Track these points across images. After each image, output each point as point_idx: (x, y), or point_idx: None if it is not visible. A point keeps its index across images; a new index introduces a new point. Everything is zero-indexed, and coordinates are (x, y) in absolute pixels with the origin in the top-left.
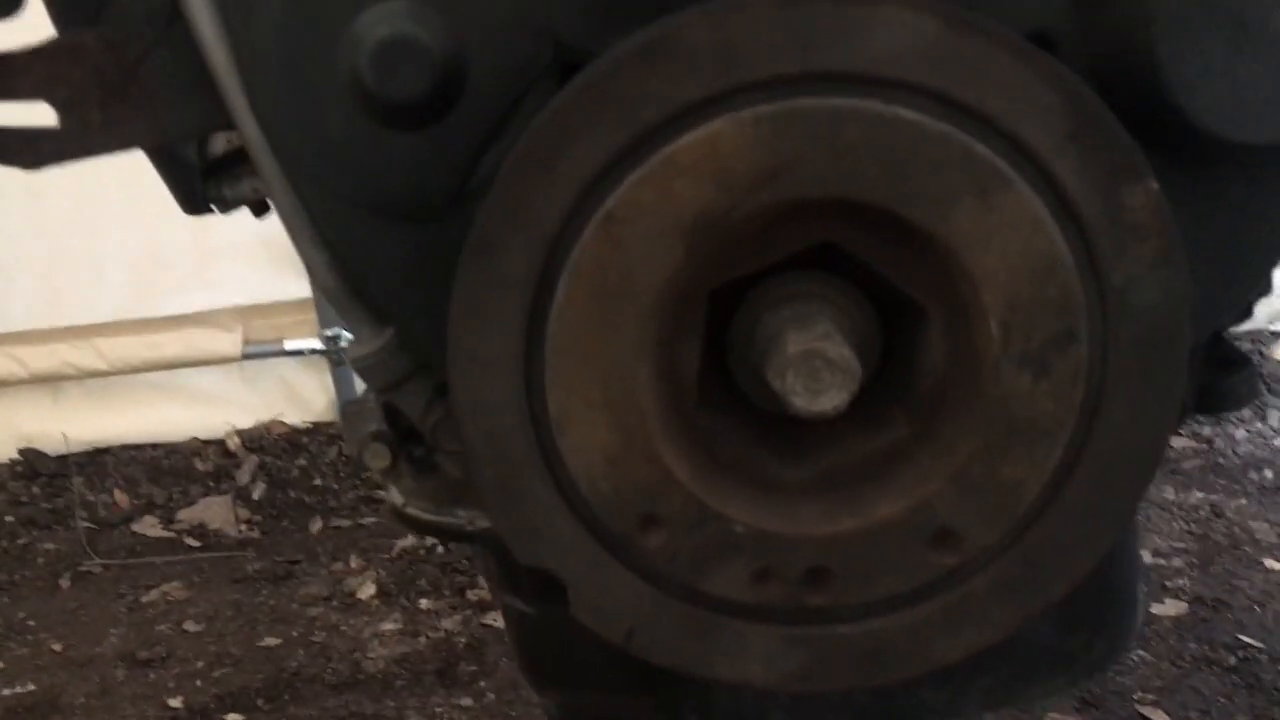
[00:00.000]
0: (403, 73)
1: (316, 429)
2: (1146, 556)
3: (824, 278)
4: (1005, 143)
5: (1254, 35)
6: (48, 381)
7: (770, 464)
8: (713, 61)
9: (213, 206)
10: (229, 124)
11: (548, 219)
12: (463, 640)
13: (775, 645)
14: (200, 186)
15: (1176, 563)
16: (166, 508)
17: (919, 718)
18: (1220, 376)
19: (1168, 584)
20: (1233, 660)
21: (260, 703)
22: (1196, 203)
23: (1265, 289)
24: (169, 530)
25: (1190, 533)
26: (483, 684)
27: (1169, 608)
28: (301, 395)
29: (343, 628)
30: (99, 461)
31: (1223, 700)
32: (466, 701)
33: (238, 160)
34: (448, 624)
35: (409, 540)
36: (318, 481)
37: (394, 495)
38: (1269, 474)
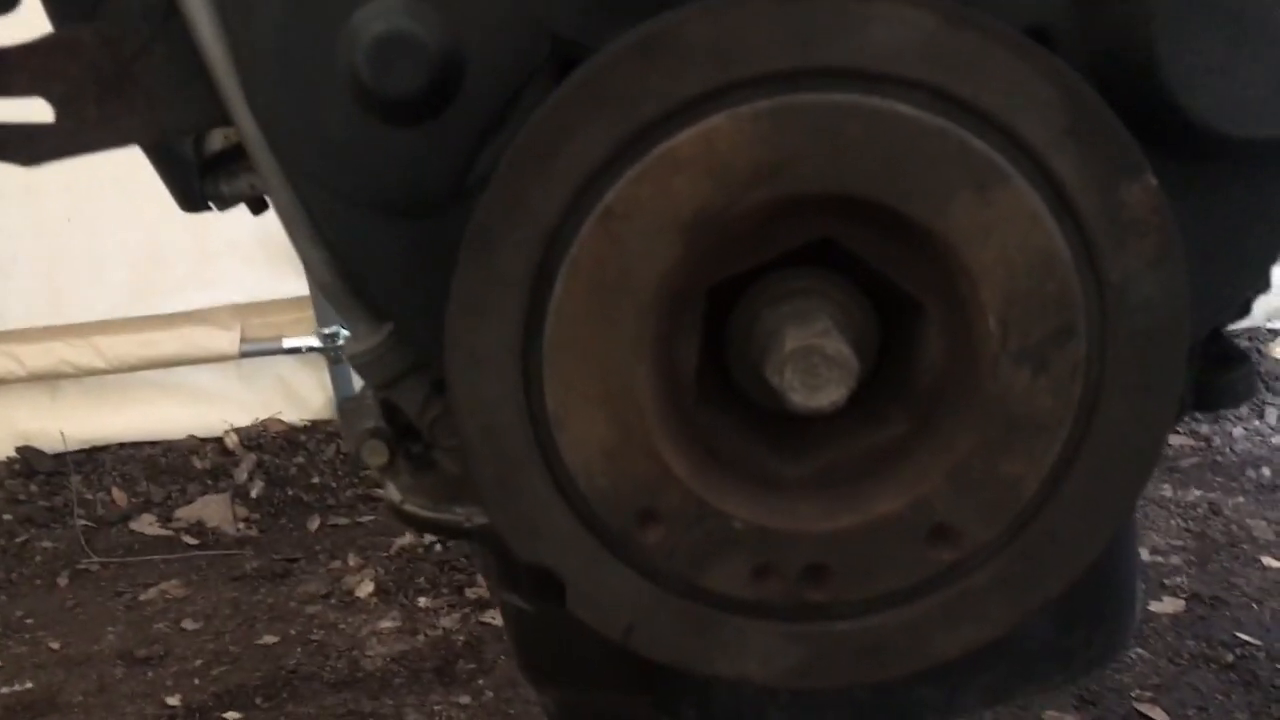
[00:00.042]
0: (399, 68)
1: (314, 427)
2: (1144, 554)
3: (822, 274)
4: (1003, 138)
5: (1253, 32)
6: (46, 380)
7: (769, 460)
8: (711, 57)
9: (210, 203)
10: (226, 120)
11: (546, 215)
12: (461, 638)
13: (774, 641)
14: (198, 183)
15: (1174, 560)
16: (164, 506)
17: (917, 714)
18: (1218, 373)
19: (1165, 582)
20: (1230, 658)
21: (258, 701)
22: (1195, 199)
23: (1264, 285)
24: (167, 528)
25: (1188, 530)
26: (481, 682)
27: (1167, 605)
28: (299, 393)
29: (341, 626)
30: (97, 460)
31: (1220, 698)
32: (465, 699)
33: (235, 157)
34: (446, 622)
35: (407, 538)
36: (316, 479)
37: (392, 492)
38: (1266, 472)
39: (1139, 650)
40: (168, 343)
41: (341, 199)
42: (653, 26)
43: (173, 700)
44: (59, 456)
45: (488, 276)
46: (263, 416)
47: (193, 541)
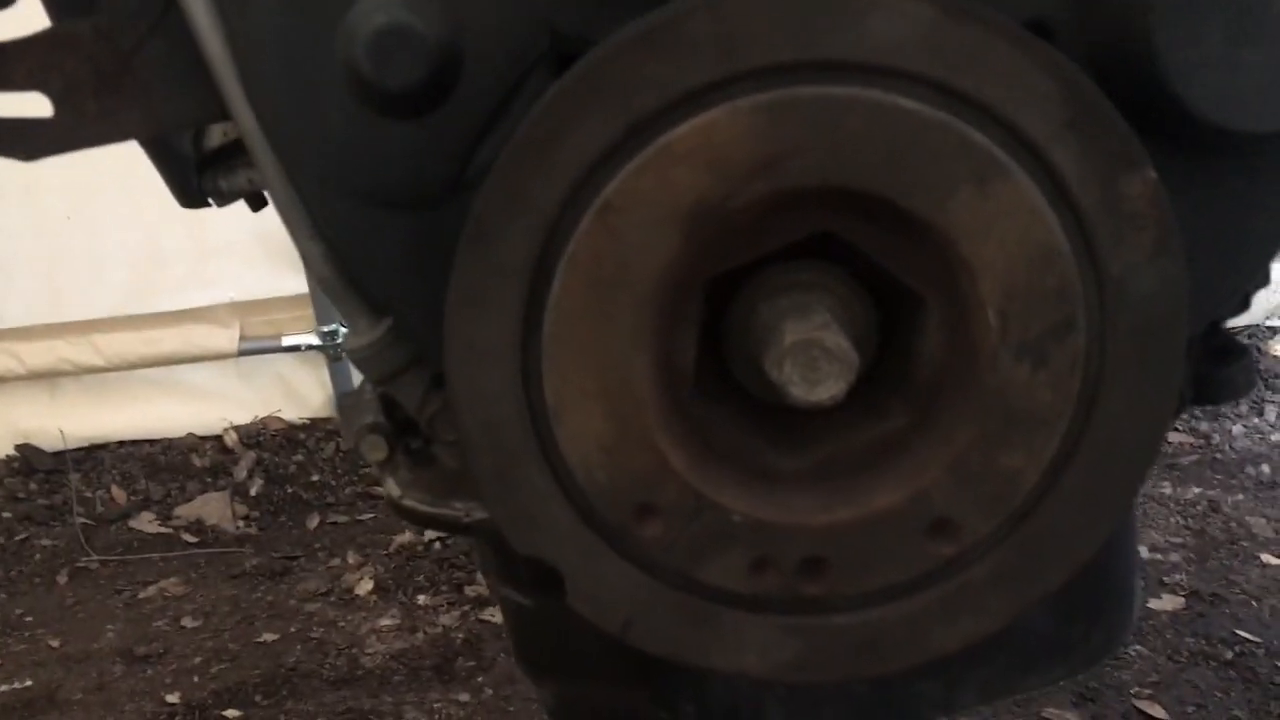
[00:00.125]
0: (398, 61)
1: (314, 424)
2: (1144, 552)
3: (821, 267)
4: (1003, 131)
5: (1252, 24)
6: (45, 378)
7: (767, 454)
8: (710, 50)
9: (209, 199)
10: (224, 115)
11: (545, 207)
12: (460, 636)
13: (771, 635)
14: (196, 179)
15: (1174, 558)
16: (164, 504)
17: (915, 709)
18: (1218, 366)
19: (1165, 579)
20: (1229, 655)
21: (258, 698)
22: (1195, 192)
23: (1263, 280)
24: (166, 526)
25: (1187, 528)
26: (480, 679)
27: (1166, 602)
28: (298, 391)
29: (340, 623)
30: (96, 458)
31: (1219, 695)
32: (464, 697)
33: (234, 152)
34: (445, 620)
35: (407, 536)
36: (315, 477)
37: (391, 487)
38: (1266, 469)
39: (1138, 647)
40: (167, 341)
41: (340, 193)
42: (652, 19)
43: (172, 698)
44: (58, 454)
45: (487, 269)
46: (262, 414)
47: (192, 539)
